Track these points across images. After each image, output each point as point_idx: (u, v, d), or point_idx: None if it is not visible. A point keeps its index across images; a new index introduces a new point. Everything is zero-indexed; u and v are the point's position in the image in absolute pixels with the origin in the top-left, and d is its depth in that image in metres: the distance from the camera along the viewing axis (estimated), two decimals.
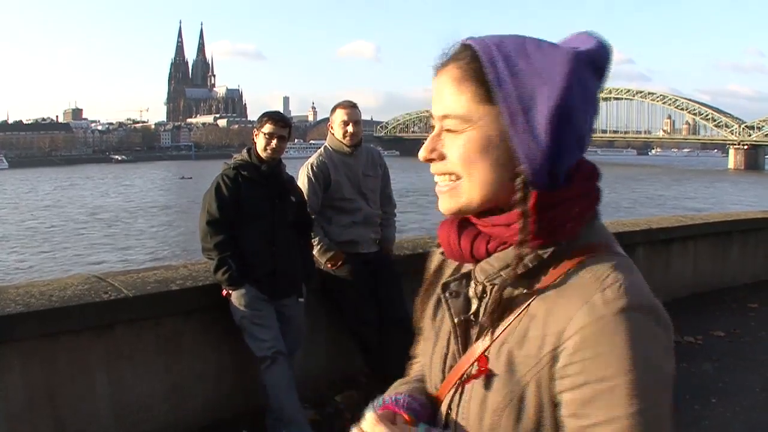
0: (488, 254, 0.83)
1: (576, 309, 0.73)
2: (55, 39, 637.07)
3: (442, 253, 0.95)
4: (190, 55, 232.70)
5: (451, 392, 0.86)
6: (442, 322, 0.92)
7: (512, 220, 0.79)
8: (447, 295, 0.90)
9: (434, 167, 0.83)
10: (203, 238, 3.20)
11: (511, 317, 0.80)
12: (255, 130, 3.35)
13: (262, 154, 3.29)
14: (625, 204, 36.84)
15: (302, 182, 3.67)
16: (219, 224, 3.16)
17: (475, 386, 0.82)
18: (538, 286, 0.79)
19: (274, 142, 3.27)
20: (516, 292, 0.80)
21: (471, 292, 0.89)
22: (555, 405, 0.76)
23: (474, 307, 0.88)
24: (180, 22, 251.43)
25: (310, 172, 3.69)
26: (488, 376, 0.80)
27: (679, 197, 43.01)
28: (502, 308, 0.81)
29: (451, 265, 0.96)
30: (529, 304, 0.79)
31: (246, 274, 3.16)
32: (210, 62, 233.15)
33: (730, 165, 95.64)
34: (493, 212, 0.82)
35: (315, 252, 3.62)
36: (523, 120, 0.75)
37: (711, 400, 3.82)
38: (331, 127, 3.81)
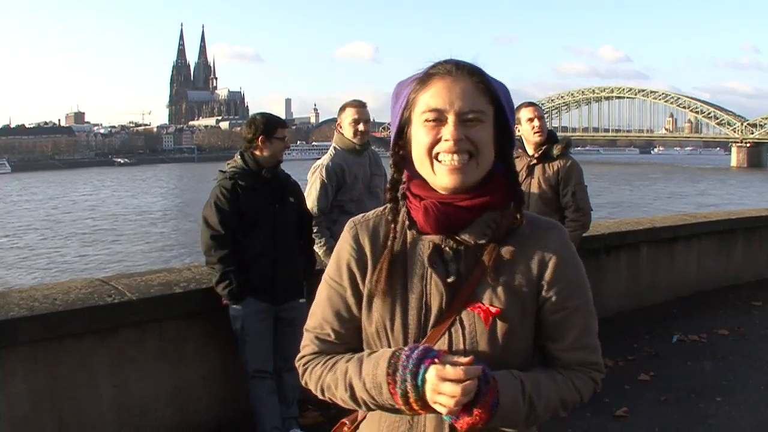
0: (468, 223, 1.14)
1: (548, 241, 1.18)
2: (57, 43, 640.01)
3: (394, 236, 1.18)
4: (192, 57, 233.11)
5: (446, 334, 1.12)
6: (412, 288, 1.15)
7: (497, 188, 1.15)
8: (429, 263, 1.15)
9: (461, 146, 1.10)
10: (207, 252, 3.17)
11: (489, 265, 1.14)
12: None
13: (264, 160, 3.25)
14: (648, 200, 36.81)
15: (313, 184, 3.66)
16: (223, 238, 3.13)
17: (477, 320, 1.12)
18: (501, 237, 1.15)
19: None
20: (490, 245, 1.15)
21: (448, 257, 1.16)
22: (538, 312, 1.18)
23: (454, 269, 1.15)
24: (182, 25, 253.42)
25: (324, 174, 3.66)
26: (494, 310, 1.11)
27: (698, 194, 42.83)
28: (496, 260, 1.14)
29: (399, 240, 1.18)
30: (497, 253, 1.14)
31: (247, 284, 3.15)
32: (212, 65, 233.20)
33: (733, 163, 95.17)
34: (474, 188, 1.14)
35: (320, 253, 3.62)
36: (509, 116, 1.18)
37: (716, 399, 3.81)
38: (340, 127, 3.80)
